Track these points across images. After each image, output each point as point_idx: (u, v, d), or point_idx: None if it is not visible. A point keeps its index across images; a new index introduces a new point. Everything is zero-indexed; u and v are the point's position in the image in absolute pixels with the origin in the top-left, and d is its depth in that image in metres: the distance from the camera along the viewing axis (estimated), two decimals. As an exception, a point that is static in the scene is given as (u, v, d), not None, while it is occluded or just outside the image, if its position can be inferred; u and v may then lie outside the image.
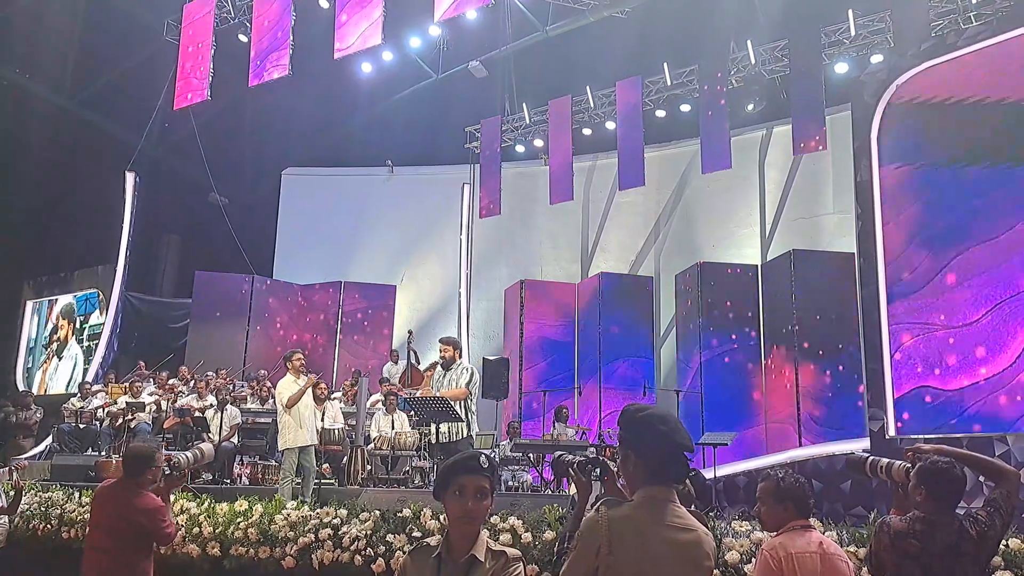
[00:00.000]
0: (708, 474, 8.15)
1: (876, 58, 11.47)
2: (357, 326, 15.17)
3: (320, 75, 14.00)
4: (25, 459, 10.63)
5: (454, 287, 15.54)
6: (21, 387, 14.98)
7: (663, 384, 13.08)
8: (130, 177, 14.91)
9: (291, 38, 12.57)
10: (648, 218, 15.12)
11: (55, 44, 15.12)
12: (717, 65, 12.67)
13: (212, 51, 13.45)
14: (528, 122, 15.07)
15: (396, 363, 12.75)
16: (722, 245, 14.04)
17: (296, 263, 16.44)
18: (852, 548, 4.47)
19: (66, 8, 14.35)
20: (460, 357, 7.40)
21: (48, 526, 7.49)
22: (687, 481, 3.38)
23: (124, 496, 4.18)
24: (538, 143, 15.25)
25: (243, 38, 13.68)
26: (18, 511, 7.04)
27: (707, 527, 2.33)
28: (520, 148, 15.54)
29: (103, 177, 15.29)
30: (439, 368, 7.40)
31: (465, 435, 7.08)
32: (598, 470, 2.54)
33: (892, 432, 8.54)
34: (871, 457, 3.32)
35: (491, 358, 11.13)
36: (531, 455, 9.35)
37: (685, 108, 13.74)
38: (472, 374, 7.20)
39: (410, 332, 12.63)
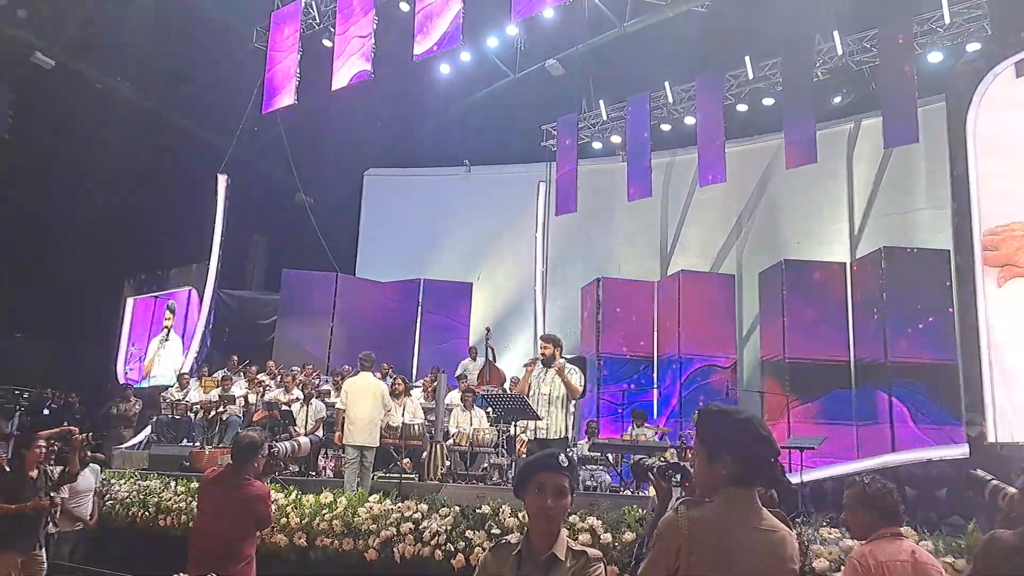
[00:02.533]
0: (795, 479, 7.95)
1: (972, 47, 10.96)
2: (435, 323, 15.39)
3: (400, 77, 14.26)
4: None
5: (529, 285, 15.59)
6: (122, 380, 15.75)
7: (746, 385, 12.81)
8: (222, 179, 15.49)
9: (373, 42, 12.84)
10: (729, 214, 14.82)
11: (149, 52, 15.83)
12: (802, 57, 12.31)
13: (298, 56, 13.86)
14: (605, 119, 14.97)
15: (474, 359, 12.87)
16: (808, 242, 13.66)
17: (377, 261, 16.81)
18: (949, 559, 4.30)
19: (160, 17, 15.00)
20: (561, 355, 7.33)
21: (146, 513, 7.86)
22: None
23: (235, 483, 4.39)
24: (615, 140, 15.14)
25: (327, 43, 14.05)
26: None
27: (790, 529, 2.29)
28: (597, 145, 15.46)
29: (196, 179, 15.93)
30: (539, 365, 7.33)
31: (563, 434, 7.00)
32: (678, 475, 2.52)
33: (992, 438, 8.14)
34: (994, 482, 3.18)
35: (568, 357, 11.12)
36: (609, 455, 9.31)
37: (768, 102, 13.40)
38: (580, 374, 7.12)
39: (488, 329, 12.73)
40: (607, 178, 15.40)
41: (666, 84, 14.05)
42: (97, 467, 7.82)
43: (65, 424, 12.46)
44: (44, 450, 6.01)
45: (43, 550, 5.93)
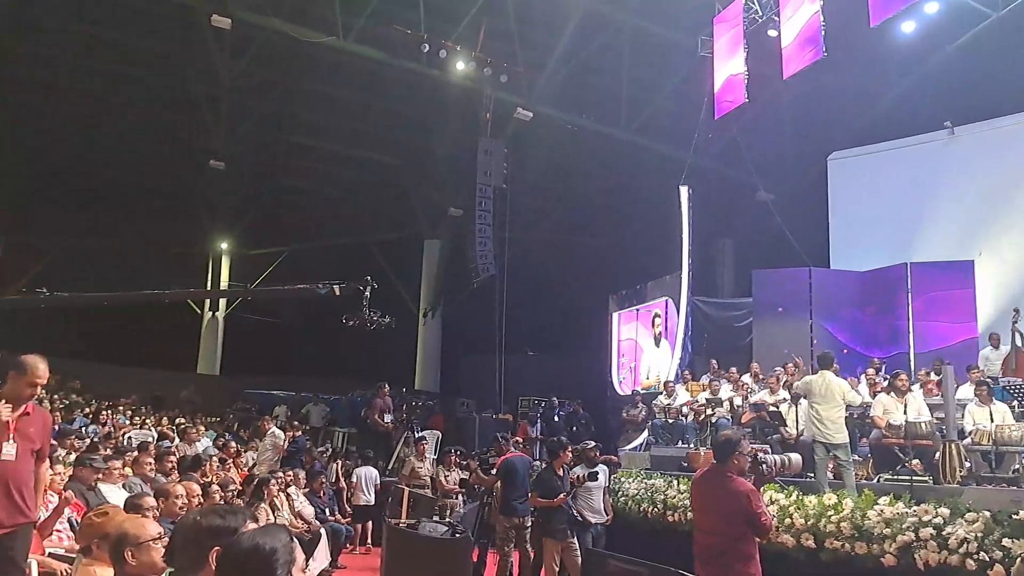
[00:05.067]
0: None
1: None
2: (931, 310, 13.70)
3: (857, 48, 13.25)
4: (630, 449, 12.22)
5: (1057, 252, 12.98)
6: (619, 391, 17.19)
7: None
8: (683, 190, 16.03)
9: (822, 19, 12.14)
10: None
11: (607, 83, 17.24)
12: None
13: (745, 54, 13.75)
14: None
15: (997, 347, 11.13)
16: None
17: (853, 249, 15.65)
18: None
19: (612, 48, 16.22)
20: None
21: (655, 509, 8.40)
22: None
23: (718, 480, 4.50)
24: None
25: (772, 33, 13.69)
26: None
27: None
28: None
29: (661, 194, 16.79)
30: None
31: None
32: None
33: None
34: None
35: None
36: None
37: None
38: None
39: (1016, 311, 10.85)
40: None
41: None
42: (605, 467, 8.65)
43: (573, 428, 14.16)
44: (569, 455, 6.94)
45: (575, 539, 6.75)
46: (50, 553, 4.98)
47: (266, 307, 24.13)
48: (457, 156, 18.96)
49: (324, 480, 10.96)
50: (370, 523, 11.22)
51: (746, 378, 12.30)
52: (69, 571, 4.59)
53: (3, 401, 4.13)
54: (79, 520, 5.36)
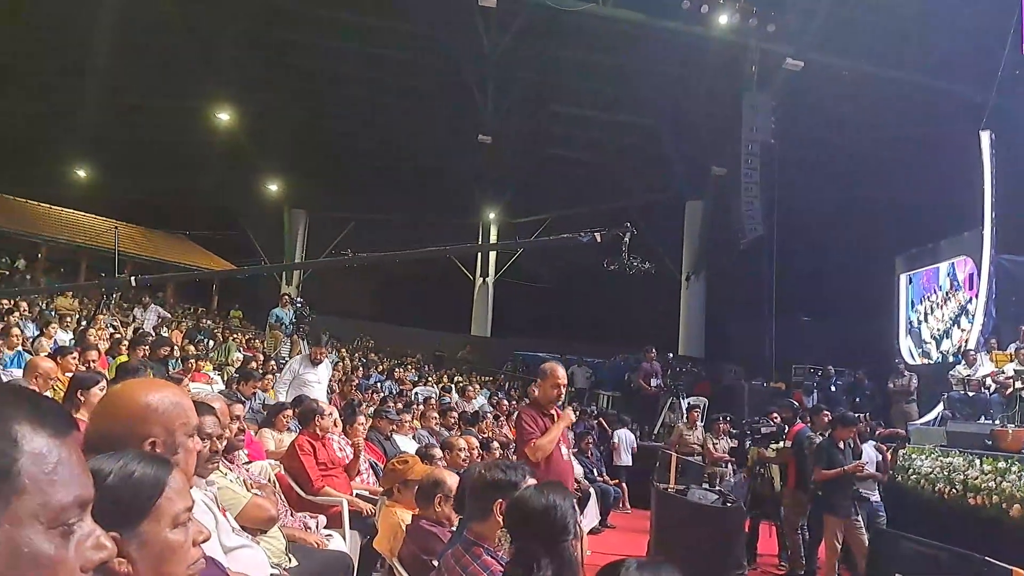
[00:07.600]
0: None
1: None
2: None
3: None
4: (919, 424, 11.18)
5: None
6: (907, 358, 15.68)
7: None
8: (985, 136, 14.11)
9: None
10: None
11: (891, 25, 15.56)
12: None
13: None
14: None
15: None
16: None
17: None
18: None
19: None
20: None
21: (953, 490, 7.61)
22: None
23: None
24: None
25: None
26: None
27: None
28: None
29: (956, 141, 14.94)
30: None
31: None
32: None
33: None
34: None
35: None
36: None
37: None
38: None
39: None
40: None
41: None
42: (872, 442, 8.09)
43: (855, 399, 13.21)
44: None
45: (859, 516, 6.30)
46: (357, 494, 5.59)
47: (531, 273, 25.15)
48: (718, 113, 18.25)
49: (591, 440, 11.25)
50: (625, 485, 11.38)
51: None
52: (372, 510, 5.11)
53: (540, 406, 4.54)
54: (381, 466, 5.99)
